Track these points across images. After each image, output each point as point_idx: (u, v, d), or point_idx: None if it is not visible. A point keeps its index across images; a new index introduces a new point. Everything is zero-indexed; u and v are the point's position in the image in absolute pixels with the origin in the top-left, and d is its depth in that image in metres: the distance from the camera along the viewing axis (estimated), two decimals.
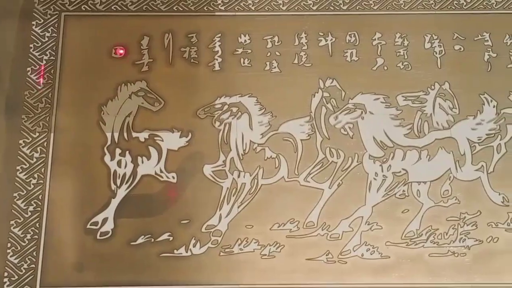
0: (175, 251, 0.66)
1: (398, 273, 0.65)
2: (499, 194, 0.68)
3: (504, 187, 0.68)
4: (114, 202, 0.68)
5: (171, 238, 0.66)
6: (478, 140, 0.70)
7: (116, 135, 0.70)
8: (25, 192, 0.67)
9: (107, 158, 0.69)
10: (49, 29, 0.74)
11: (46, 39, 0.73)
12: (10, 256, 0.65)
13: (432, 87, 0.72)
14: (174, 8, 0.76)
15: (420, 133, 0.71)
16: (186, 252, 0.66)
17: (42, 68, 0.69)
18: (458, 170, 0.69)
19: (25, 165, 0.68)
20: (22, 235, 0.66)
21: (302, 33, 0.75)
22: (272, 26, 0.76)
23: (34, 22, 0.74)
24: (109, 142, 0.70)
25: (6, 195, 0.67)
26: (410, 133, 0.71)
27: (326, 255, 0.66)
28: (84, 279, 0.65)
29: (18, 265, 0.65)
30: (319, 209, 0.68)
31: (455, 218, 0.68)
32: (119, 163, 0.69)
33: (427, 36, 0.75)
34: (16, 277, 0.64)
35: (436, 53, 0.74)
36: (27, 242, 0.66)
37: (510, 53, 0.74)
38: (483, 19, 0.75)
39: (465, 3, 0.76)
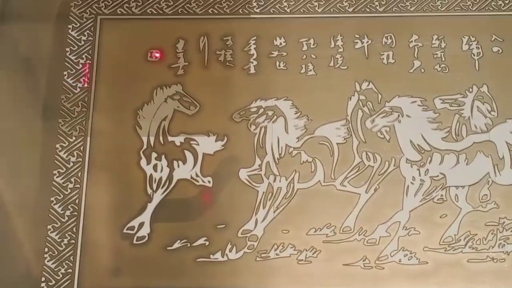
0: (211, 256, 0.65)
1: (437, 279, 0.63)
2: None
3: None
4: (150, 207, 0.67)
5: (207, 243, 0.65)
6: None
7: (152, 139, 0.69)
8: (62, 196, 0.66)
9: (143, 162, 0.68)
10: (85, 33, 0.74)
11: (82, 42, 0.73)
12: (48, 261, 0.64)
13: (470, 89, 0.70)
14: (209, 11, 0.75)
15: (458, 137, 0.69)
16: (222, 257, 0.65)
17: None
18: (497, 174, 0.67)
19: (62, 169, 0.67)
20: (59, 240, 0.65)
21: (338, 35, 0.73)
22: (307, 28, 0.74)
23: (70, 26, 0.73)
24: (145, 146, 0.69)
25: (44, 200, 0.67)
26: (447, 137, 0.69)
27: (363, 261, 0.64)
28: (121, 283, 0.64)
29: (55, 270, 0.64)
30: (356, 213, 0.66)
31: (494, 223, 0.66)
32: (155, 167, 0.68)
33: (464, 38, 0.73)
34: (54, 282, 0.63)
35: (474, 55, 0.72)
36: (64, 246, 0.65)
37: None
38: None
39: (503, 4, 0.74)
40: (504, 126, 0.69)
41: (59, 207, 0.66)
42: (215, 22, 0.75)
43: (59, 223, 0.66)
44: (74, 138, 0.69)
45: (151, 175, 0.68)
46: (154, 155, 0.69)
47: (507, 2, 0.74)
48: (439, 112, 0.70)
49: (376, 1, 0.75)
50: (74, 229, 0.66)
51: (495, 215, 0.66)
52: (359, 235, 0.66)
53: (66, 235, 0.66)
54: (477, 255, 0.64)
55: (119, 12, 0.75)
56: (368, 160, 0.68)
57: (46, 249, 0.65)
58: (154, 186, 0.68)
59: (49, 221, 0.66)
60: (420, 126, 0.69)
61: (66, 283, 0.64)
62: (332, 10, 0.75)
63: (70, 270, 0.64)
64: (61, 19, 0.75)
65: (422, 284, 0.64)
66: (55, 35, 0.74)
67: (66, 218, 0.66)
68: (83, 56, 0.73)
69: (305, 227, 0.66)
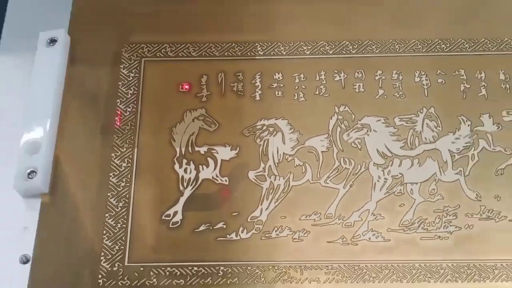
0: (227, 236, 0.68)
1: (397, 252, 0.67)
2: (473, 192, 0.70)
3: (477, 186, 0.70)
4: (182, 200, 0.70)
5: (224, 226, 0.69)
6: (457, 151, 0.72)
7: (183, 149, 0.73)
8: (116, 192, 0.70)
9: (176, 166, 0.72)
10: (133, 71, 0.78)
11: (131, 78, 0.77)
12: (105, 241, 0.68)
13: (421, 111, 0.75)
14: (225, 54, 0.79)
15: (412, 146, 0.73)
16: (236, 236, 0.68)
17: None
18: (442, 174, 0.72)
19: (116, 172, 0.71)
20: (114, 224, 0.68)
21: (322, 71, 0.78)
22: (299, 66, 0.78)
23: (121, 66, 0.77)
24: (177, 155, 0.72)
25: (102, 195, 0.70)
26: (404, 146, 0.73)
27: (342, 239, 0.68)
28: (160, 258, 0.67)
29: (111, 247, 0.67)
30: (336, 204, 0.70)
31: (439, 210, 0.70)
32: (185, 170, 0.72)
33: (416, 72, 0.77)
34: (110, 256, 0.67)
35: (424, 85, 0.77)
36: (117, 230, 0.69)
37: (480, 85, 0.76)
38: (459, 59, 0.78)
39: (445, 47, 0.78)
40: (447, 138, 0.74)
41: (114, 200, 0.70)
42: (230, 62, 0.79)
43: (114, 212, 0.69)
44: (125, 149, 0.73)
45: (182, 176, 0.72)
46: (184, 161, 0.73)
47: (448, 45, 0.79)
48: (397, 128, 0.74)
49: (350, 46, 0.80)
50: (125, 216, 0.70)
51: (440, 204, 0.70)
52: (338, 220, 0.69)
53: (119, 221, 0.69)
54: (427, 234, 0.68)
55: (158, 55, 0.80)
56: (345, 164, 0.73)
57: (104, 232, 0.68)
58: (185, 184, 0.72)
59: (107, 211, 0.70)
60: (383, 138, 0.74)
61: (119, 257, 0.67)
62: (317, 53, 0.79)
63: (122, 247, 0.68)
64: (115, 61, 0.79)
65: (387, 256, 0.67)
66: (111, 73, 0.78)
67: (119, 208, 0.70)
68: (131, 88, 0.77)
69: (298, 214, 0.70)
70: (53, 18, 0.82)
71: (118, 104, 0.76)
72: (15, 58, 0.81)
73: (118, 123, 0.74)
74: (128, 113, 0.76)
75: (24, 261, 0.68)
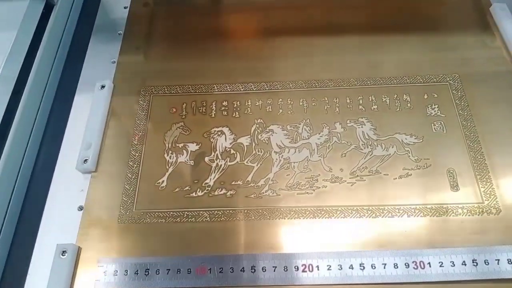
0: (190, 194, 0.67)
1: (284, 202, 0.65)
2: (328, 167, 0.68)
3: (330, 163, 0.68)
4: (167, 174, 0.69)
5: (189, 188, 0.67)
6: (320, 143, 0.70)
7: (169, 145, 0.71)
8: (130, 170, 0.69)
9: (165, 155, 0.70)
10: (146, 101, 0.76)
11: (144, 105, 0.76)
12: (123, 197, 0.67)
13: (301, 121, 0.72)
14: (197, 91, 0.77)
15: (296, 141, 0.70)
16: (195, 194, 0.67)
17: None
18: (311, 157, 0.69)
19: (132, 159, 0.70)
20: (128, 188, 0.68)
21: (249, 100, 0.75)
22: (236, 97, 0.76)
23: (139, 98, 0.77)
24: (166, 148, 0.71)
25: (123, 172, 0.69)
26: (291, 141, 0.70)
27: (253, 195, 0.66)
28: (152, 206, 0.66)
29: (126, 201, 0.67)
30: (252, 174, 0.68)
31: (308, 178, 0.67)
32: (170, 157, 0.70)
33: (301, 99, 0.75)
34: (125, 206, 0.66)
35: (304, 106, 0.74)
36: (130, 191, 0.67)
37: (336, 106, 0.74)
38: (323, 91, 0.75)
39: (317, 84, 0.76)
40: (315, 136, 0.71)
41: (129, 174, 0.69)
42: (198, 96, 0.77)
43: (129, 181, 0.68)
44: (138, 146, 0.72)
45: (167, 160, 0.70)
46: (170, 152, 0.71)
47: (318, 84, 0.76)
48: (288, 131, 0.72)
49: (265, 85, 0.77)
50: (135, 183, 0.68)
51: (309, 174, 0.68)
52: (253, 184, 0.67)
53: (131, 187, 0.68)
54: (301, 191, 0.66)
55: (160, 92, 0.78)
56: (259, 152, 0.70)
57: (123, 192, 0.67)
58: (169, 165, 0.70)
59: (125, 181, 0.69)
60: (280, 137, 0.71)
61: (130, 206, 0.66)
62: (247, 90, 0.77)
63: (132, 201, 0.67)
64: (136, 95, 0.78)
65: (278, 204, 0.65)
66: (133, 102, 0.76)
67: (132, 179, 0.68)
68: (144, 112, 0.76)
69: (230, 181, 0.68)
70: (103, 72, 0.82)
71: (136, 120, 0.74)
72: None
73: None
74: (141, 125, 0.75)
75: (80, 209, 0.68)
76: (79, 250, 0.63)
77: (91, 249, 0.63)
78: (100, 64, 0.83)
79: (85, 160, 0.70)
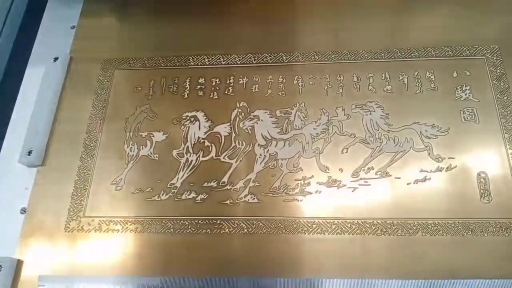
0: (152, 198, 0.56)
1: (268, 210, 0.54)
2: (324, 167, 0.55)
3: (327, 161, 0.56)
4: (126, 170, 0.58)
5: (151, 190, 0.57)
6: (316, 135, 0.57)
7: (131, 134, 0.60)
8: (82, 164, 0.60)
9: (125, 146, 0.59)
10: (107, 77, 0.65)
11: (106, 83, 0.64)
12: (73, 196, 0.58)
13: (295, 106, 0.59)
14: (168, 64, 0.64)
15: (286, 132, 0.58)
16: (158, 198, 0.56)
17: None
18: (304, 152, 0.56)
19: (85, 150, 0.60)
20: (79, 184, 0.59)
21: (231, 76, 0.62)
22: (215, 72, 0.63)
23: (99, 73, 0.65)
24: (127, 137, 0.60)
25: (73, 166, 0.60)
26: (280, 131, 0.58)
27: (229, 200, 0.55)
28: (108, 214, 0.57)
29: (77, 201, 0.58)
30: (229, 173, 0.56)
31: (299, 179, 0.55)
32: (131, 149, 0.59)
33: (295, 77, 0.61)
34: (74, 210, 0.57)
35: (299, 86, 0.60)
36: (80, 190, 0.58)
37: (339, 86, 0.60)
38: (325, 66, 0.62)
39: (317, 58, 0.62)
40: (310, 126, 0.58)
41: (81, 170, 0.60)
42: (169, 70, 0.64)
43: (79, 181, 0.59)
44: (93, 135, 0.61)
45: (128, 153, 0.59)
46: (131, 142, 0.60)
47: (319, 56, 0.62)
48: (277, 118, 0.59)
49: (252, 58, 0.63)
50: (88, 179, 0.59)
51: (300, 175, 0.55)
52: (229, 186, 0.56)
53: (82, 187, 0.59)
54: (289, 197, 0.54)
55: (125, 66, 0.65)
56: (239, 145, 0.58)
57: (72, 190, 0.59)
58: (129, 159, 0.59)
59: (76, 177, 0.59)
60: (267, 126, 0.58)
61: (80, 211, 0.57)
62: (230, 63, 0.63)
63: (83, 205, 0.58)
64: (95, 69, 0.67)
65: (260, 214, 0.54)
66: (92, 77, 0.66)
67: (84, 174, 0.59)
68: (104, 91, 0.64)
69: (202, 181, 0.57)
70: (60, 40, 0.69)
71: (94, 101, 0.62)
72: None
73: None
74: (99, 107, 0.62)
75: (22, 211, 0.58)
76: (18, 264, 0.53)
77: (32, 264, 0.53)
78: (58, 30, 0.69)
79: (30, 152, 0.59)
